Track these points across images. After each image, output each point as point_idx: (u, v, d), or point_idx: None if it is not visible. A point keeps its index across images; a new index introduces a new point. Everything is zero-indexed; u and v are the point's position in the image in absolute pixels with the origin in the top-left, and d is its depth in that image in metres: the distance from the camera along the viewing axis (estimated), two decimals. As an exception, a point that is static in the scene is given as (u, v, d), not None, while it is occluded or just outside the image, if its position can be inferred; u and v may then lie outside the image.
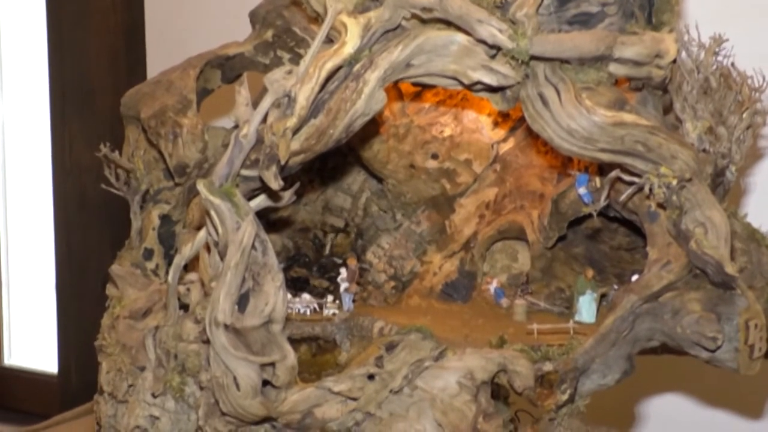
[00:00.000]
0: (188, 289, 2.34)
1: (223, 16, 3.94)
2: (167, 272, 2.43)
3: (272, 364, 2.13)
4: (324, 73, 2.16)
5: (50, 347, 4.62)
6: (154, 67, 4.26)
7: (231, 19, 3.15)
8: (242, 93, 2.18)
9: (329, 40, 2.24)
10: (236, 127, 2.19)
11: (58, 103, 4.39)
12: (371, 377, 2.19)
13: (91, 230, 4.38)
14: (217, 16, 4.07)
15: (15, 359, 4.95)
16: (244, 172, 2.17)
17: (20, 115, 4.82)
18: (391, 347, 2.22)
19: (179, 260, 2.28)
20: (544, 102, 2.24)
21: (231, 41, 2.85)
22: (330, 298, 2.73)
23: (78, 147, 4.33)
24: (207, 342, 2.15)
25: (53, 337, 4.57)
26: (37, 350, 4.85)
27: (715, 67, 2.45)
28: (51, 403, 4.45)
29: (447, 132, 2.89)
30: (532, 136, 2.75)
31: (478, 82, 2.24)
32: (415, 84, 2.47)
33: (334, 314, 2.67)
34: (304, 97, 2.13)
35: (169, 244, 2.73)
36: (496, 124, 2.88)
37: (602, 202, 2.43)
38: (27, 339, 4.94)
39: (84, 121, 4.34)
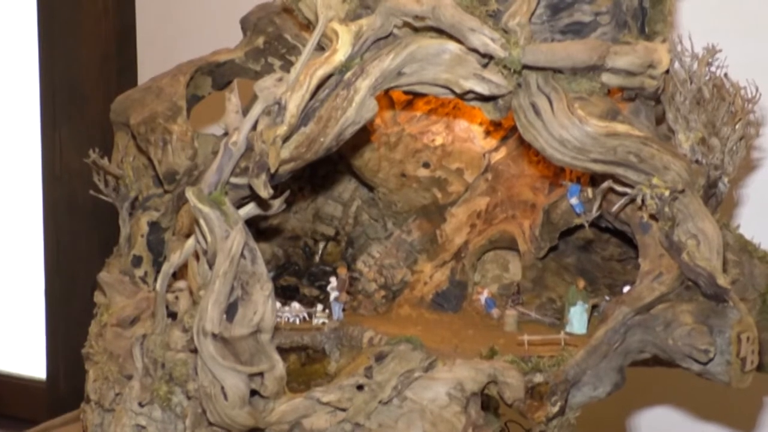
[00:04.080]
0: (177, 298, 2.32)
1: (215, 23, 3.92)
2: (156, 280, 2.41)
3: (260, 374, 2.11)
4: (315, 81, 2.15)
5: (39, 353, 4.59)
6: (145, 73, 4.24)
7: (222, 26, 3.13)
8: (232, 100, 2.17)
9: (320, 48, 2.22)
10: (226, 134, 2.17)
11: (48, 108, 4.37)
12: (360, 388, 2.17)
13: (81, 236, 4.36)
14: (208, 22, 4.06)
15: (3, 365, 4.92)
16: (234, 180, 2.16)
17: (10, 119, 4.79)
18: (380, 357, 2.21)
19: (167, 268, 2.26)
20: (536, 112, 2.23)
21: (222, 48, 2.84)
22: (320, 307, 2.72)
23: (68, 152, 4.31)
24: (195, 351, 2.13)
25: (42, 343, 4.54)
26: (25, 356, 4.82)
27: (708, 77, 2.44)
28: (39, 408, 4.42)
29: (438, 141, 2.87)
30: (524, 146, 2.74)
31: (470, 91, 2.23)
32: (406, 92, 2.46)
33: (323, 323, 2.66)
34: (294, 104, 2.12)
35: (158, 251, 2.71)
36: (487, 133, 2.86)
37: (594, 213, 2.42)
38: (15, 344, 4.91)
39: (74, 126, 4.32)
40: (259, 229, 2.81)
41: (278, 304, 2.63)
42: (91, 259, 3.94)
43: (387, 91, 2.36)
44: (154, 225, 2.72)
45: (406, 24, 2.23)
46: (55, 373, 4.49)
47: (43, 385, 4.57)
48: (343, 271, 2.75)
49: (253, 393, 2.12)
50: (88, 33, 4.31)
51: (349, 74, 2.20)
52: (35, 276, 4.56)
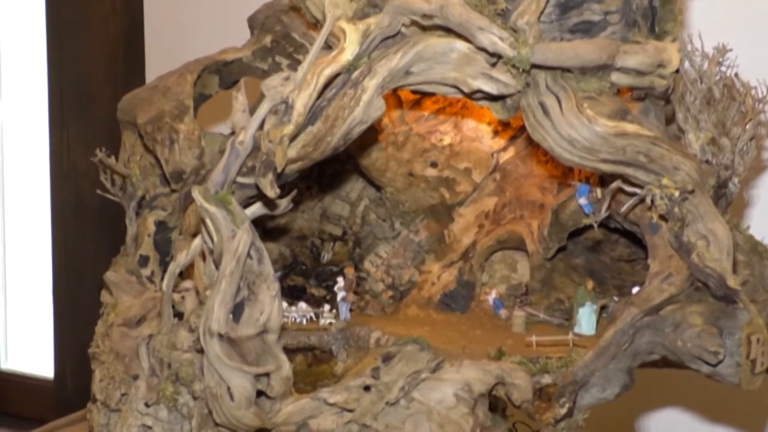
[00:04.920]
0: (183, 297, 2.31)
1: (223, 22, 3.92)
2: (163, 279, 2.41)
3: (267, 375, 2.10)
4: (322, 80, 2.14)
5: (47, 352, 4.60)
6: (153, 72, 4.20)
7: (230, 25, 3.12)
8: (239, 99, 2.16)
9: (328, 47, 2.21)
10: (233, 133, 2.16)
11: (56, 108, 4.36)
12: (367, 388, 2.16)
13: (88, 235, 4.36)
14: (216, 21, 4.05)
15: (11, 364, 4.93)
16: (240, 180, 2.15)
17: (18, 119, 4.80)
18: (387, 358, 2.20)
19: (174, 268, 2.25)
20: (545, 111, 2.22)
21: (229, 46, 2.83)
22: (327, 307, 2.70)
23: (76, 152, 4.31)
24: (201, 351, 2.12)
25: (50, 342, 4.55)
26: (33, 355, 4.83)
27: (718, 77, 2.43)
28: (47, 407, 4.42)
29: (446, 140, 2.86)
30: (533, 146, 2.72)
31: (478, 91, 2.22)
32: (414, 92, 2.44)
33: (330, 324, 2.64)
34: (301, 103, 2.11)
35: (164, 250, 2.71)
36: (496, 132, 2.85)
37: (603, 213, 2.40)
38: (23, 343, 4.91)
39: (82, 125, 4.32)
40: (266, 228, 2.81)
41: (285, 305, 2.62)
42: (99, 258, 3.93)
43: (395, 91, 2.35)
44: (161, 224, 2.71)
45: (413, 23, 2.21)
46: (63, 372, 4.49)
47: (51, 384, 4.57)
48: (350, 271, 2.74)
49: (260, 394, 2.11)
50: (95, 32, 4.31)
51: (356, 73, 2.18)
52: (43, 275, 4.57)
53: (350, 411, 2.14)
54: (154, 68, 4.21)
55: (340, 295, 2.71)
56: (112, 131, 2.88)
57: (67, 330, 4.44)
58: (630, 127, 2.22)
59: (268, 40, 2.74)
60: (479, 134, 2.87)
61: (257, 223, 2.17)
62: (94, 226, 4.33)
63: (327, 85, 2.17)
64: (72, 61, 4.32)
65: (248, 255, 2.08)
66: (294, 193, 2.16)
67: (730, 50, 2.44)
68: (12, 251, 4.90)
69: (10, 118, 4.83)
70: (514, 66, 2.17)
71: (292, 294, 2.84)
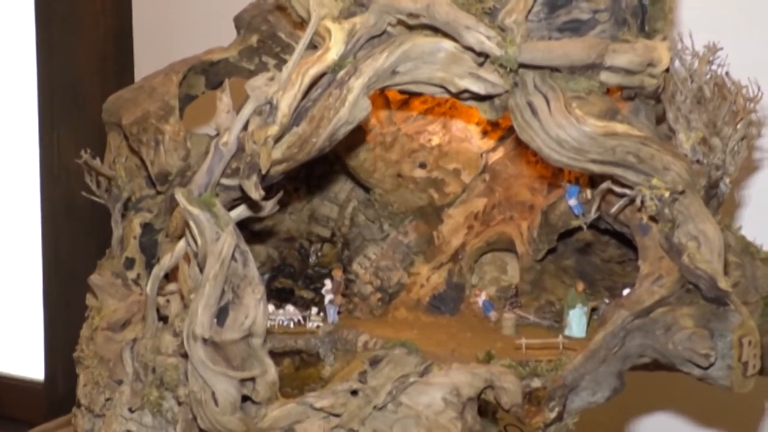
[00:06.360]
0: (168, 301, 2.29)
1: (212, 22, 3.88)
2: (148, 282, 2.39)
3: (252, 379, 2.08)
4: (307, 80, 2.12)
5: (37, 354, 4.58)
6: (143, 72, 4.17)
7: (220, 25, 3.10)
8: (223, 100, 2.14)
9: (313, 46, 2.19)
10: (218, 134, 2.14)
11: (46, 108, 4.35)
12: (355, 393, 2.13)
13: (79, 237, 4.35)
14: (205, 21, 4.03)
15: (1, 366, 4.90)
16: (225, 181, 2.14)
17: (8, 119, 4.77)
18: (375, 362, 2.17)
19: (158, 271, 2.23)
20: (533, 111, 2.20)
21: (216, 46, 2.81)
22: (314, 310, 2.69)
23: (66, 152, 4.29)
24: (185, 356, 2.10)
25: (40, 344, 4.53)
26: (23, 357, 4.80)
27: (709, 76, 2.42)
28: (37, 410, 4.41)
29: (435, 141, 2.84)
30: (522, 146, 2.68)
31: (466, 90, 2.20)
32: (401, 92, 2.42)
33: (318, 327, 2.63)
34: (286, 104, 2.09)
35: (151, 253, 2.68)
36: (485, 133, 2.83)
37: (593, 214, 2.38)
38: (13, 345, 4.89)
39: (72, 126, 4.31)
40: (253, 230, 2.79)
41: (272, 307, 2.61)
42: (90, 260, 3.88)
43: (383, 91, 2.33)
44: (146, 226, 2.69)
45: (400, 22, 2.20)
46: (53, 375, 4.48)
47: (41, 387, 4.56)
48: (338, 273, 2.73)
49: (245, 398, 2.09)
50: (86, 32, 4.30)
51: (342, 73, 2.17)
52: (33, 276, 4.54)
53: (337, 416, 2.12)
54: (144, 68, 4.20)
55: (328, 297, 2.69)
56: (103, 131, 2.87)
57: (58, 332, 4.42)
58: (619, 127, 2.20)
59: (254, 39, 2.73)
60: (468, 134, 2.85)
61: (244, 224, 2.15)
62: (85, 228, 4.31)
63: (312, 85, 2.15)
64: (62, 61, 4.31)
65: (233, 258, 2.06)
66: (280, 195, 2.14)
67: (721, 49, 2.42)
68: (2, 252, 4.88)
69: (0, 119, 4.80)
70: (501, 65, 2.16)
71: (280, 297, 2.83)
